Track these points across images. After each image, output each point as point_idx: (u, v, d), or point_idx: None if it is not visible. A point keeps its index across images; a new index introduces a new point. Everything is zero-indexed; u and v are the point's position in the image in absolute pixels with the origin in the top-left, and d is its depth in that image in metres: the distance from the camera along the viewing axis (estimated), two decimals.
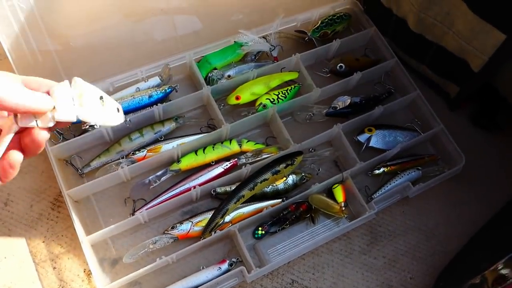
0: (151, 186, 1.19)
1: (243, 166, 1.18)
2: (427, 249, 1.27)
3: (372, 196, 1.26)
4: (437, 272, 1.23)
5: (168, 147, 1.22)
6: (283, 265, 1.19)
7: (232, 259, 1.14)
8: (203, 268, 1.13)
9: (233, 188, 1.17)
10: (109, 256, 1.15)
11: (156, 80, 1.29)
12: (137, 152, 1.21)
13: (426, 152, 1.36)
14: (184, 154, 1.22)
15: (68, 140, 1.18)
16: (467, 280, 1.09)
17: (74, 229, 1.09)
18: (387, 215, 1.29)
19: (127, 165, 1.15)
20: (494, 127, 1.41)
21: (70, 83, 0.56)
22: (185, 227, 1.14)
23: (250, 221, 1.16)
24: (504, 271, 1.03)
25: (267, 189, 1.22)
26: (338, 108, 1.32)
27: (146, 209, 1.15)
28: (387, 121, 1.36)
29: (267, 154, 1.24)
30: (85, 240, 1.09)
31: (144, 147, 1.22)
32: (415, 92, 1.36)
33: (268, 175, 1.15)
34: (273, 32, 1.35)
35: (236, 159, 1.24)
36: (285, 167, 1.17)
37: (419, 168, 1.30)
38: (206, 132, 1.26)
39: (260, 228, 1.19)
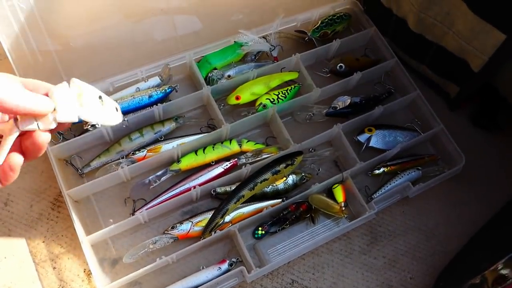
0: (151, 186, 1.19)
1: (243, 166, 1.18)
2: (427, 249, 1.27)
3: (372, 196, 1.26)
4: (437, 272, 1.23)
5: (168, 147, 1.22)
6: (283, 265, 1.19)
7: (232, 259, 1.14)
8: (203, 268, 1.13)
9: (233, 188, 1.17)
10: (109, 256, 1.15)
11: (156, 80, 1.29)
12: (137, 152, 1.21)
13: (426, 152, 1.36)
14: (184, 154, 1.22)
15: (68, 140, 1.18)
16: (467, 280, 1.09)
17: (74, 229, 1.09)
18: (387, 215, 1.29)
19: (127, 165, 1.15)
20: (494, 127, 1.41)
21: (68, 84, 0.56)
22: (185, 227, 1.14)
23: (250, 221, 1.16)
24: (504, 271, 1.03)
25: (267, 189, 1.22)
26: (338, 108, 1.32)
27: (146, 209, 1.15)
28: (387, 121, 1.36)
29: (267, 154, 1.24)
30: (85, 240, 1.09)
31: (144, 147, 1.22)
32: (415, 92, 1.36)
33: (268, 175, 1.15)
34: (273, 32, 1.35)
35: (236, 159, 1.24)
36: (285, 167, 1.17)
37: (419, 168, 1.31)
38: (206, 132, 1.26)
39: (260, 228, 1.19)
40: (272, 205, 1.19)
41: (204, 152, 1.22)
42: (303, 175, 1.24)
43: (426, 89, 1.42)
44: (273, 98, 1.30)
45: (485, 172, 1.36)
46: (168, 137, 1.26)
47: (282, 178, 1.21)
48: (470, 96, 1.39)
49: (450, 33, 1.21)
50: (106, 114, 0.60)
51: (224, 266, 1.12)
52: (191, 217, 1.16)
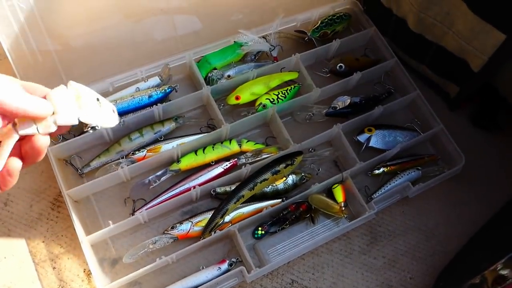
0: (151, 186, 1.19)
1: (243, 166, 1.18)
2: (427, 249, 1.27)
3: (372, 196, 1.26)
4: (437, 272, 1.23)
5: (168, 147, 1.22)
6: (283, 265, 1.19)
7: (232, 259, 1.14)
8: (203, 268, 1.13)
9: (233, 188, 1.17)
10: (109, 256, 1.15)
11: (156, 80, 1.29)
12: (137, 152, 1.21)
13: (426, 152, 1.36)
14: (184, 154, 1.22)
15: (68, 140, 1.18)
16: (467, 280, 1.09)
17: (74, 229, 1.09)
18: (387, 215, 1.29)
19: (127, 165, 1.15)
20: (494, 127, 1.41)
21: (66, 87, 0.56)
22: (185, 227, 1.14)
23: (250, 221, 1.16)
24: (503, 271, 1.03)
25: (267, 189, 1.22)
26: (338, 108, 1.32)
27: (146, 209, 1.15)
28: (387, 121, 1.36)
29: (267, 154, 1.24)
30: (85, 240, 1.09)
31: (144, 147, 1.22)
32: (415, 92, 1.36)
33: (268, 175, 1.15)
34: (273, 32, 1.35)
35: (236, 159, 1.24)
36: (285, 167, 1.17)
37: (419, 168, 1.30)
38: (206, 132, 1.26)
39: (260, 228, 1.19)
40: (272, 205, 1.19)
41: (204, 152, 1.22)
42: (303, 175, 1.24)
43: (426, 89, 1.42)
44: (273, 98, 1.30)
45: (485, 172, 1.36)
46: (168, 137, 1.26)
47: (282, 178, 1.21)
48: (470, 96, 1.39)
49: (450, 33, 1.21)
50: (104, 115, 0.60)
51: (224, 266, 1.12)
52: (191, 217, 1.16)
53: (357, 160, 1.23)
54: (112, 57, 1.26)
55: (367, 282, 1.21)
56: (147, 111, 1.22)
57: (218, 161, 1.23)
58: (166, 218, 1.20)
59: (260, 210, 1.18)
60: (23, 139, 0.53)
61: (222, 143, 1.25)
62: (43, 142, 0.53)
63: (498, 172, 1.37)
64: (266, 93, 1.32)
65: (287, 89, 1.34)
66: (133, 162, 1.18)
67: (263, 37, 1.36)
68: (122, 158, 1.20)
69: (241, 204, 1.16)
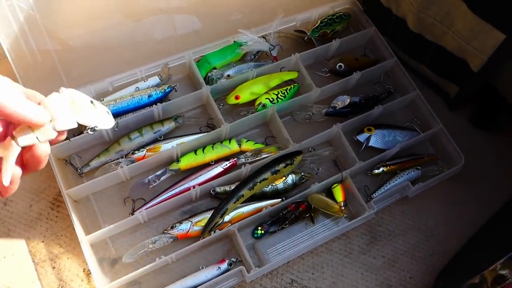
0: (151, 186, 1.19)
1: (243, 166, 1.18)
2: (426, 248, 1.27)
3: (372, 196, 1.26)
4: (436, 271, 1.23)
5: (167, 146, 1.22)
6: (283, 264, 1.19)
7: (232, 259, 1.14)
8: (202, 267, 1.13)
9: (232, 188, 1.17)
10: (109, 256, 1.15)
11: (155, 79, 1.29)
12: (136, 152, 1.21)
13: (425, 151, 1.36)
14: (183, 154, 1.22)
15: (67, 140, 1.17)
16: (466, 280, 1.09)
17: (74, 229, 1.09)
18: (387, 215, 1.29)
19: (127, 165, 1.15)
20: (493, 127, 1.41)
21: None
22: (184, 227, 1.14)
23: (250, 220, 1.16)
24: (503, 271, 1.03)
25: (267, 189, 1.22)
26: (338, 107, 1.32)
27: (146, 208, 1.15)
28: (387, 120, 1.36)
29: (267, 154, 1.24)
30: (85, 240, 1.09)
31: (143, 146, 1.22)
32: (414, 92, 1.36)
33: (267, 174, 1.15)
34: (273, 32, 1.35)
35: (235, 158, 1.24)
36: (285, 167, 1.17)
37: (419, 167, 1.30)
38: (205, 132, 1.26)
39: (259, 228, 1.19)
40: (272, 205, 1.19)
41: (203, 152, 1.22)
42: (302, 175, 1.24)
43: (426, 89, 1.42)
44: (272, 98, 1.30)
45: (485, 172, 1.36)
46: (167, 136, 1.26)
47: (281, 178, 1.21)
48: (469, 96, 1.39)
49: (449, 33, 1.21)
50: (100, 117, 0.61)
51: (224, 265, 1.12)
52: (190, 217, 1.16)
53: (356, 159, 1.23)
54: (112, 57, 1.26)
55: (366, 281, 1.21)
56: (147, 111, 1.22)
57: (217, 161, 1.23)
58: (166, 217, 1.20)
59: (259, 210, 1.18)
60: (24, 148, 0.54)
61: (221, 142, 1.25)
62: (43, 150, 0.54)
63: (498, 172, 1.37)
64: (266, 92, 1.32)
65: (287, 88, 1.34)
66: (132, 161, 1.18)
67: (263, 36, 1.36)
68: (122, 157, 1.20)
69: (241, 203, 1.16)
